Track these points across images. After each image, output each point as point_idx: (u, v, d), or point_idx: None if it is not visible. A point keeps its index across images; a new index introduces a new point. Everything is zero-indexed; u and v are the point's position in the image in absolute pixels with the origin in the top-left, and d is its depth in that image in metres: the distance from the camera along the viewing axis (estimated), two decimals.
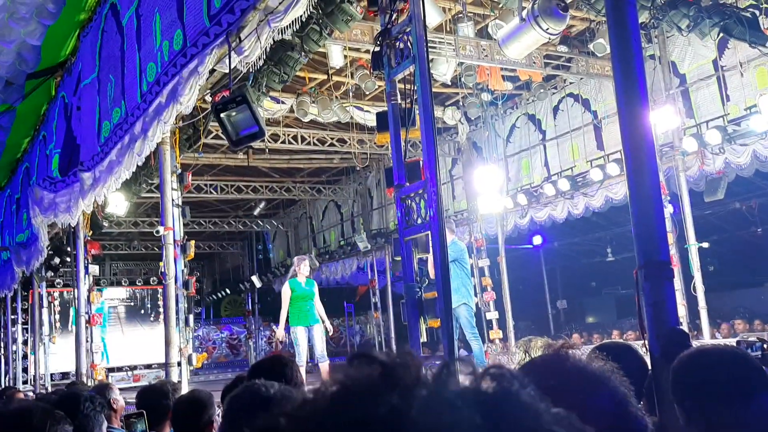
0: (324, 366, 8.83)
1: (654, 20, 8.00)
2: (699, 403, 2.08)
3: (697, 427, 2.08)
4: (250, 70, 6.90)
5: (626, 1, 3.61)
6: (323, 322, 9.16)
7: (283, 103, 11.81)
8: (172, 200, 8.76)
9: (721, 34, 8.19)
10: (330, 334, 9.22)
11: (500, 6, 8.26)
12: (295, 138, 13.84)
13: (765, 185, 12.43)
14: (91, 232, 11.67)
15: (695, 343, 9.58)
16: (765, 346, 4.15)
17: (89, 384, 9.31)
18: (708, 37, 8.39)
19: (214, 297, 25.00)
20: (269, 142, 13.12)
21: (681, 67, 11.04)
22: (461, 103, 13.22)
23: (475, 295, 12.83)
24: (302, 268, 9.15)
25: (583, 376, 1.27)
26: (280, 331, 9.06)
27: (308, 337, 8.88)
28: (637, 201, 3.28)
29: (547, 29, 6.41)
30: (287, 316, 9.22)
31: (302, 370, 8.67)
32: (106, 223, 12.15)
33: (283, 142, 13.69)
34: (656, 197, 3.29)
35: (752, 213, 13.25)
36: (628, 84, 3.45)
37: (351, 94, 11.91)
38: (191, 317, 9.01)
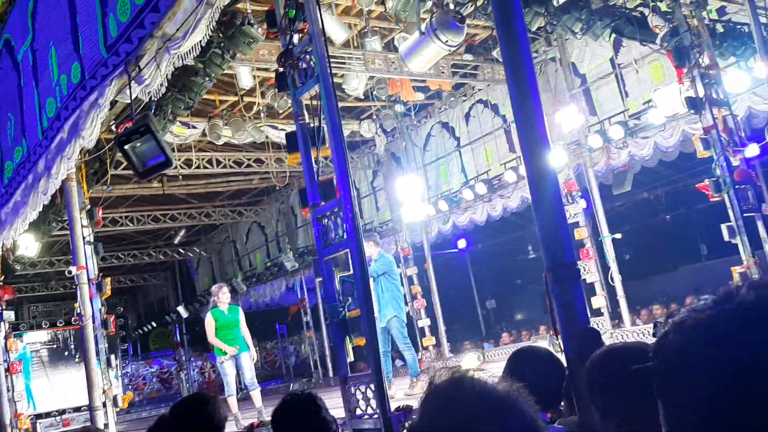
0: (255, 393, 8.56)
1: (549, 25, 8.28)
2: (612, 399, 2.16)
3: (613, 421, 2.16)
4: (153, 98, 6.74)
5: (514, 12, 3.72)
6: (250, 349, 8.84)
7: (194, 127, 11.58)
8: (83, 237, 8.47)
9: (614, 35, 8.55)
10: (254, 361, 8.83)
11: (404, 19, 8.37)
12: (210, 162, 13.60)
13: (669, 174, 13.04)
14: (2, 276, 11.14)
15: (616, 332, 9.87)
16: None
17: None
18: (603, 38, 8.74)
19: (141, 331, 24.20)
20: (183, 168, 12.86)
21: (581, 68, 11.47)
22: (376, 116, 13.32)
23: (406, 305, 12.96)
24: (221, 296, 8.82)
25: (487, 404, 1.26)
26: (231, 350, 8.49)
27: (236, 366, 8.58)
28: (540, 208, 3.38)
29: (447, 41, 6.53)
30: (214, 347, 8.88)
31: (232, 400, 8.48)
32: (18, 266, 11.62)
33: (198, 167, 13.42)
34: (557, 203, 3.39)
35: (659, 201, 13.88)
36: (522, 94, 3.55)
37: (264, 113, 11.81)
38: (113, 357, 8.72)
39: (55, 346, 20.68)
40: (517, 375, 3.08)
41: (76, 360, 20.28)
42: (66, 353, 20.66)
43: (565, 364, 3.13)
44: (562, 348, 3.31)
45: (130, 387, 19.33)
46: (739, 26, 8.90)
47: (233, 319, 8.72)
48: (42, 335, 20.57)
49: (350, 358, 5.29)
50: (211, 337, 8.58)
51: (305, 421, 2.81)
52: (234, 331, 8.65)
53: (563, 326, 3.25)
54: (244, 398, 9.89)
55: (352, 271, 5.29)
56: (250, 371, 8.57)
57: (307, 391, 2.99)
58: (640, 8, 8.61)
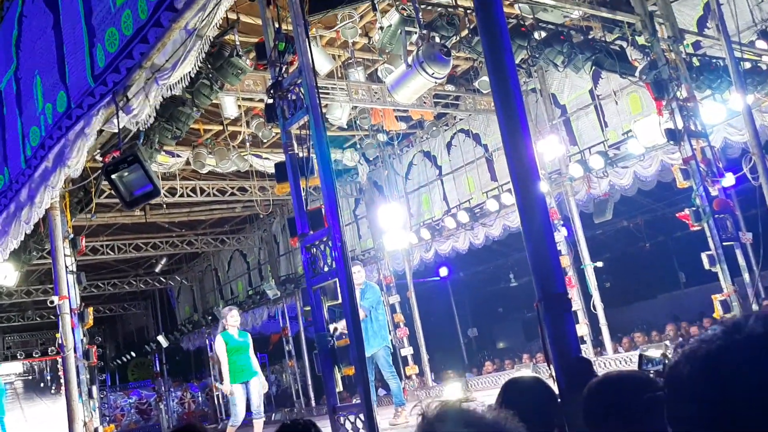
0: (258, 423, 8.27)
1: (532, 58, 8.47)
2: (611, 427, 2.21)
3: None
4: (141, 128, 6.76)
5: (502, 47, 3.82)
6: (259, 375, 8.54)
7: (178, 156, 11.59)
8: (66, 267, 8.38)
9: (594, 67, 8.76)
10: (264, 390, 8.53)
11: (387, 51, 8.51)
12: (193, 190, 13.58)
13: (648, 203, 13.25)
14: None
15: (599, 360, 9.93)
16: (666, 360, 4.39)
17: None
18: (584, 70, 8.95)
19: (119, 361, 23.84)
20: (167, 196, 12.83)
21: (561, 99, 11.70)
22: (359, 145, 13.42)
23: (389, 333, 12.94)
24: (230, 319, 8.52)
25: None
26: (226, 386, 8.23)
27: (246, 392, 8.28)
28: (530, 239, 3.44)
29: (433, 74, 6.65)
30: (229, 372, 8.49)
31: (233, 431, 8.24)
32: None
33: (182, 195, 13.39)
34: (548, 233, 3.46)
35: (639, 229, 14.08)
36: (512, 125, 3.64)
37: (248, 143, 11.85)
38: (95, 388, 8.58)
39: (30, 377, 20.32)
40: (510, 405, 3.13)
41: (52, 391, 19.93)
42: (41, 384, 20.29)
43: (557, 393, 3.17)
44: (553, 376, 3.35)
45: (107, 418, 18.94)
46: (714, 60, 9.17)
47: (245, 344, 8.48)
48: (17, 366, 20.19)
49: (339, 387, 5.28)
50: (224, 362, 8.30)
51: None
52: (245, 356, 8.40)
53: (555, 356, 3.30)
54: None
55: (340, 300, 5.31)
56: (258, 398, 8.32)
57: (306, 419, 3.00)
58: (619, 42, 8.83)
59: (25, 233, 8.25)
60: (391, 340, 11.47)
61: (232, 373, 8.32)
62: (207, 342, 18.40)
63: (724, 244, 7.77)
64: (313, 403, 15.56)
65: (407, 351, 13.22)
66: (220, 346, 8.41)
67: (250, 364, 8.45)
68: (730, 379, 0.95)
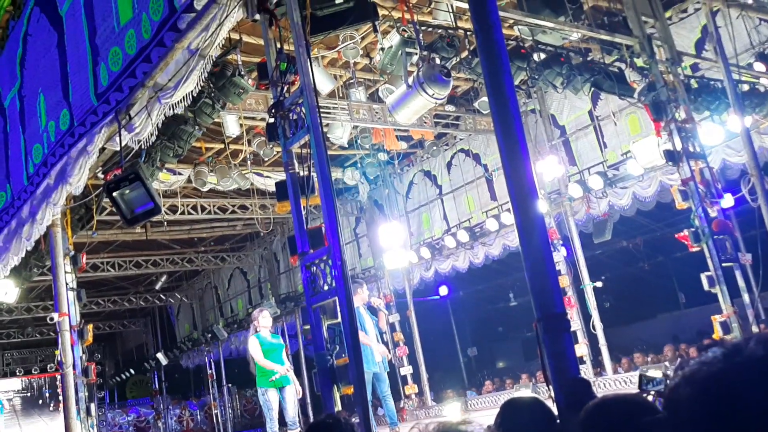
0: None
1: (531, 80, 8.54)
2: None
3: None
4: (143, 146, 6.81)
5: (501, 69, 3.87)
6: (294, 382, 7.99)
7: (180, 174, 11.65)
8: (66, 284, 8.40)
9: (593, 89, 8.83)
10: (299, 396, 8.04)
11: (388, 72, 8.59)
12: (194, 208, 13.62)
13: (647, 223, 13.28)
14: None
15: (598, 380, 9.90)
16: (666, 381, 4.39)
17: None
18: (583, 91, 9.03)
19: (118, 379, 23.72)
20: (168, 213, 12.86)
21: (560, 119, 11.77)
22: (360, 164, 13.48)
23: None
24: (261, 320, 8.09)
25: None
26: (281, 368, 7.71)
27: (280, 399, 7.76)
28: (529, 258, 3.47)
29: (433, 95, 6.71)
30: (256, 376, 8.01)
31: None
32: None
33: (183, 212, 13.44)
34: (547, 253, 3.49)
35: (638, 250, 14.09)
36: (511, 146, 3.68)
37: (250, 161, 11.91)
38: (93, 405, 8.55)
39: (28, 394, 20.23)
40: (508, 426, 3.13)
41: (50, 409, 19.83)
42: (40, 401, 20.20)
43: (556, 414, 3.18)
44: (552, 396, 3.36)
45: None
46: (712, 82, 9.25)
47: (279, 346, 8.08)
48: (15, 383, 20.11)
49: (338, 407, 5.27)
50: (260, 359, 7.77)
51: None
52: (280, 357, 7.94)
53: (554, 376, 3.31)
54: None
55: (340, 319, 5.31)
56: (293, 408, 7.81)
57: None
58: (618, 63, 8.91)
59: (26, 250, 8.29)
60: (390, 360, 11.44)
61: (265, 376, 7.81)
62: (206, 360, 18.33)
63: (724, 265, 7.78)
64: (311, 421, 15.46)
65: (407, 370, 13.17)
66: (254, 347, 7.88)
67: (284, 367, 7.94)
68: (731, 402, 0.94)
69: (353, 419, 7.14)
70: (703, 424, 0.98)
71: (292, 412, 7.82)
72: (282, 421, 8.05)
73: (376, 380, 8.34)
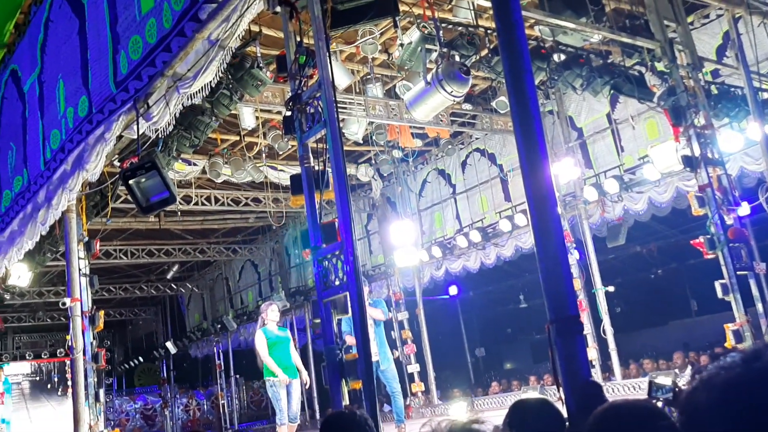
0: (293, 428, 7.93)
1: (550, 80, 8.50)
2: None
3: None
4: (160, 135, 6.83)
5: (523, 68, 3.85)
6: (300, 373, 8.12)
7: (194, 164, 11.69)
8: (79, 270, 8.46)
9: (612, 91, 8.77)
10: (306, 386, 8.21)
11: (406, 68, 8.57)
12: (208, 199, 13.67)
13: (662, 229, 13.18)
14: None
15: (607, 385, 9.85)
16: (676, 389, 4.35)
17: None
18: (602, 94, 8.97)
19: (127, 366, 23.88)
20: (182, 204, 12.90)
21: (578, 121, 11.70)
22: (374, 160, 13.47)
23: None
24: (269, 314, 8.29)
25: None
26: (283, 376, 7.81)
27: (287, 391, 7.87)
28: (544, 259, 3.44)
29: (452, 92, 6.69)
30: (263, 368, 8.12)
31: (284, 430, 7.83)
32: (7, 296, 11.54)
33: (196, 203, 13.48)
34: (562, 255, 3.46)
35: (652, 256, 13.99)
36: (530, 147, 3.66)
37: (264, 154, 11.93)
38: (101, 391, 8.61)
39: (37, 378, 20.37)
40: (517, 426, 3.11)
41: (59, 393, 19.95)
42: (48, 386, 20.32)
43: (566, 416, 3.16)
44: (561, 399, 3.33)
45: (112, 423, 18.94)
46: (732, 89, 9.16)
47: (285, 339, 8.17)
48: (25, 367, 20.25)
49: (345, 401, 5.27)
50: (265, 355, 7.95)
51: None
52: (285, 352, 8.06)
53: (565, 379, 3.29)
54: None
55: (350, 314, 5.31)
56: (297, 402, 7.97)
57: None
58: (638, 67, 8.84)
59: (41, 234, 8.34)
60: (397, 358, 11.45)
61: (271, 370, 7.97)
62: (215, 350, 18.41)
63: (738, 273, 7.71)
64: (317, 415, 15.50)
65: (414, 368, 13.17)
66: (260, 341, 8.07)
67: (290, 361, 8.07)
68: (750, 408, 0.93)
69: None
70: (722, 430, 0.96)
71: (296, 407, 7.96)
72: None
73: (384, 377, 8.34)
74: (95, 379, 8.25)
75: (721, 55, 9.84)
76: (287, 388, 7.91)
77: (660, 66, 8.43)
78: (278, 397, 7.81)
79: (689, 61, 8.59)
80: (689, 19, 9.49)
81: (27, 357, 20.37)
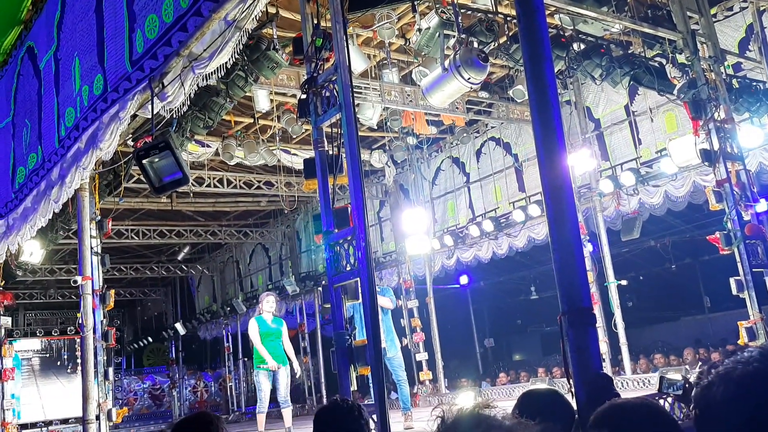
0: (287, 412, 8.42)
1: (569, 69, 8.39)
2: None
3: None
4: (174, 115, 6.81)
5: (543, 55, 3.77)
6: (291, 362, 8.65)
7: (208, 146, 11.67)
8: (91, 248, 8.47)
9: (631, 83, 8.65)
10: (297, 375, 8.77)
11: (423, 54, 8.48)
12: (220, 181, 13.67)
13: (677, 224, 13.04)
14: (3, 281, 11.10)
15: (617, 379, 9.79)
16: (687, 384, 4.30)
17: None
18: (621, 85, 8.84)
19: (136, 345, 24.07)
20: (194, 185, 12.92)
21: (596, 112, 11.57)
22: (388, 147, 13.41)
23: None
24: (265, 305, 8.73)
25: None
26: (272, 362, 8.35)
27: (272, 380, 8.40)
28: (558, 250, 3.38)
29: (469, 79, 6.61)
30: (253, 356, 8.74)
31: (262, 417, 8.41)
32: (19, 272, 11.60)
33: (209, 185, 13.49)
34: (577, 246, 3.40)
35: (666, 250, 13.85)
36: (547, 135, 3.59)
37: (278, 137, 11.90)
38: (111, 370, 8.66)
39: (47, 355, 20.47)
40: (527, 416, 3.06)
41: (68, 371, 20.09)
42: (58, 363, 20.46)
43: (575, 408, 3.11)
44: (571, 391, 3.29)
45: (120, 402, 19.13)
46: (754, 83, 9.01)
47: (276, 330, 8.61)
48: (35, 343, 20.36)
49: (353, 386, 5.26)
50: (258, 343, 8.47)
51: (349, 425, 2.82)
52: (276, 342, 8.54)
53: (576, 370, 3.24)
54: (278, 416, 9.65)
55: (360, 300, 5.29)
56: (285, 388, 8.45)
57: (351, 400, 3.03)
58: (659, 58, 8.71)
59: (54, 212, 8.36)
60: (406, 345, 11.41)
61: (259, 358, 8.45)
62: (224, 332, 18.51)
63: (754, 270, 7.62)
64: (324, 400, 15.55)
65: (422, 356, 13.15)
66: (253, 329, 8.56)
67: (281, 351, 8.52)
68: (767, 401, 0.92)
69: (366, 401, 7.17)
70: (738, 424, 0.94)
71: (284, 392, 8.45)
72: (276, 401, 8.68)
73: (390, 365, 8.34)
74: (104, 358, 8.28)
75: (744, 49, 9.67)
76: (273, 375, 8.38)
77: (681, 58, 8.30)
78: (260, 387, 8.37)
79: (711, 53, 8.45)
80: (712, 11, 9.33)
81: (37, 334, 20.50)
